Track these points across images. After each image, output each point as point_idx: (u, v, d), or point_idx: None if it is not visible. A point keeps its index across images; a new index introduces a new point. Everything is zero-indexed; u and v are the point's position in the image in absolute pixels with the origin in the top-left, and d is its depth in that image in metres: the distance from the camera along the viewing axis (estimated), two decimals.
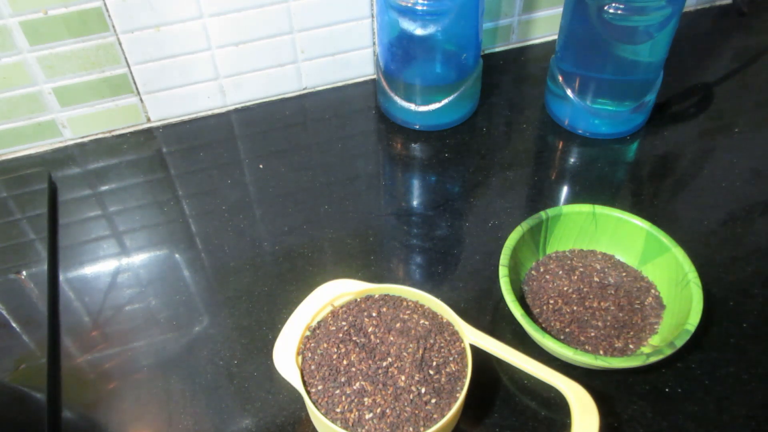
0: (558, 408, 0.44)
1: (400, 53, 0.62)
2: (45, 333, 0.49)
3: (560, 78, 0.63)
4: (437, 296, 0.44)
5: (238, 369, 0.47)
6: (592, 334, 0.46)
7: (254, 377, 0.46)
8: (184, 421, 0.44)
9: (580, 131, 0.65)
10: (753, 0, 0.81)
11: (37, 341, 0.48)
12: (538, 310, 0.48)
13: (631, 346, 0.46)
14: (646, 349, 0.45)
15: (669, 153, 0.63)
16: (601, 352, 0.45)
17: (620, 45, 0.57)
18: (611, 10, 0.54)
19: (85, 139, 0.66)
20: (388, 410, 0.39)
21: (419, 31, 0.59)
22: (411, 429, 0.38)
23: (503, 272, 0.46)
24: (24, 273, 0.53)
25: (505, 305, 0.46)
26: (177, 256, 0.55)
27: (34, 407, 0.45)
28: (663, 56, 0.60)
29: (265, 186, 0.61)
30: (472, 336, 0.42)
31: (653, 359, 0.42)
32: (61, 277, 0.54)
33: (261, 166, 0.63)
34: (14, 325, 0.50)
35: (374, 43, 0.70)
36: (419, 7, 0.57)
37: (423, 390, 0.39)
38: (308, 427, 0.43)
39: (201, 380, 0.47)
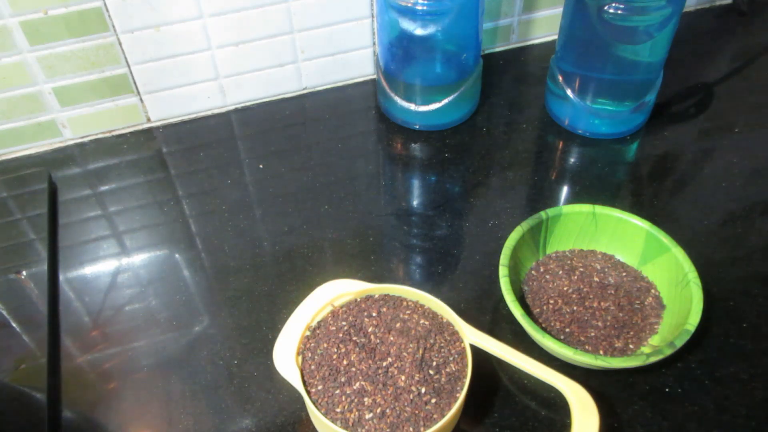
0: (558, 408, 0.44)
1: (400, 53, 0.62)
2: (45, 333, 0.49)
3: (560, 78, 0.63)
4: (437, 296, 0.44)
5: (238, 369, 0.47)
6: (592, 334, 0.46)
7: (254, 377, 0.46)
8: (184, 421, 0.44)
9: (580, 131, 0.65)
10: (753, 0, 0.81)
11: (37, 341, 0.48)
12: (538, 310, 0.48)
13: (631, 346, 0.46)
14: (646, 349, 0.45)
15: (669, 153, 0.63)
16: (601, 352, 0.45)
17: (620, 45, 0.57)
18: (611, 10, 0.54)
19: (85, 139, 0.66)
20: (388, 410, 0.39)
21: (419, 31, 0.59)
22: (411, 429, 0.38)
23: (503, 272, 0.46)
24: (24, 273, 0.53)
25: (505, 305, 0.46)
26: (177, 256, 0.55)
27: (34, 407, 0.45)
28: (663, 56, 0.60)
29: (265, 186, 0.61)
30: (472, 336, 0.42)
31: (653, 359, 0.42)
32: (61, 277, 0.54)
33: (261, 166, 0.63)
34: (14, 325, 0.50)
35: (374, 43, 0.70)
36: (419, 7, 0.57)
37: (423, 390, 0.39)
38: (308, 427, 0.43)
39: (201, 380, 0.47)
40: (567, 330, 0.46)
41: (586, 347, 0.45)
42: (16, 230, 0.57)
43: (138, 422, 0.45)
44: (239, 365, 0.47)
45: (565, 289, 0.48)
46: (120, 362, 0.48)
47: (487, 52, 0.76)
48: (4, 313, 0.50)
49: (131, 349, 0.49)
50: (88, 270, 0.55)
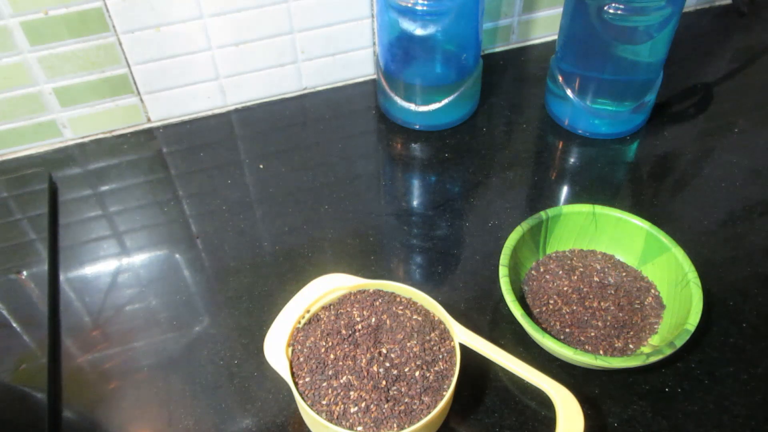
0: None
1: (400, 53, 0.62)
2: (45, 333, 0.49)
3: (560, 78, 0.63)
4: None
5: (238, 369, 0.47)
6: (592, 334, 0.46)
7: (254, 377, 0.46)
8: (184, 421, 0.44)
9: (580, 131, 0.65)
10: (753, 0, 0.81)
11: (38, 341, 0.48)
12: (538, 310, 0.48)
13: (631, 346, 0.46)
14: (646, 349, 0.45)
15: (669, 153, 0.63)
16: (601, 352, 0.45)
17: (620, 45, 0.57)
18: (611, 10, 0.54)
19: (86, 139, 0.66)
20: (372, 405, 0.39)
21: (419, 31, 0.59)
22: (395, 425, 0.38)
23: (503, 272, 0.46)
24: (24, 273, 0.53)
25: (505, 305, 0.46)
26: (177, 256, 0.55)
27: (34, 407, 0.45)
28: (663, 56, 0.60)
29: (265, 186, 0.61)
30: (461, 335, 0.42)
31: (653, 359, 0.42)
32: (61, 277, 0.54)
33: (261, 166, 0.63)
34: (15, 325, 0.50)
35: (374, 43, 0.70)
36: (419, 7, 0.57)
37: (410, 387, 0.40)
38: (307, 426, 0.43)
39: (201, 380, 0.47)
40: (567, 330, 0.46)
41: (586, 347, 0.45)
42: (16, 230, 0.57)
43: (138, 422, 0.45)
44: (239, 365, 0.47)
45: (565, 289, 0.48)
46: (120, 362, 0.48)
47: (487, 52, 0.76)
48: (5, 313, 0.50)
49: (131, 349, 0.49)
50: (89, 270, 0.55)
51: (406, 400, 0.39)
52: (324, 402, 0.39)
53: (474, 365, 0.45)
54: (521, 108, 0.69)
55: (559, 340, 0.45)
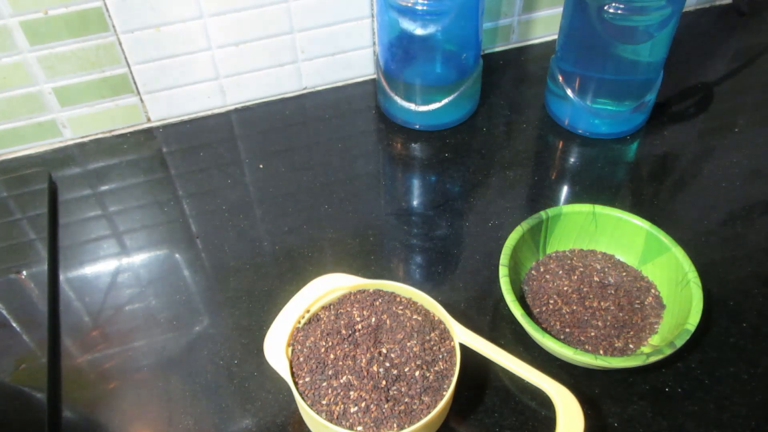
0: None
1: (400, 53, 0.62)
2: (45, 333, 0.49)
3: (560, 78, 0.63)
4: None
5: (238, 369, 0.47)
6: (592, 334, 0.46)
7: (254, 377, 0.46)
8: (184, 421, 0.44)
9: (580, 131, 0.65)
10: (753, 0, 0.81)
11: (38, 341, 0.48)
12: (538, 310, 0.48)
13: (631, 346, 0.46)
14: (646, 349, 0.45)
15: (669, 153, 0.63)
16: (601, 351, 0.45)
17: (620, 45, 0.57)
18: (611, 10, 0.54)
19: (85, 139, 0.66)
20: (372, 405, 0.39)
21: (419, 31, 0.59)
22: (395, 425, 0.38)
23: (503, 272, 0.46)
24: (24, 273, 0.53)
25: (505, 305, 0.46)
26: (177, 256, 0.55)
27: (34, 407, 0.45)
28: (663, 56, 0.60)
29: (265, 186, 0.61)
30: (461, 335, 0.42)
31: (653, 359, 0.42)
32: (61, 277, 0.54)
33: (261, 166, 0.63)
34: (14, 325, 0.50)
35: (374, 43, 0.70)
36: (419, 7, 0.57)
37: (410, 387, 0.40)
38: (307, 426, 0.43)
39: (201, 380, 0.47)
40: (567, 330, 0.46)
41: (586, 347, 0.45)
42: (16, 230, 0.57)
43: (138, 422, 0.45)
44: (239, 365, 0.47)
45: (565, 289, 0.48)
46: (120, 362, 0.48)
47: (487, 52, 0.76)
48: (4, 313, 0.50)
49: (131, 349, 0.49)
50: (88, 270, 0.55)
51: (406, 400, 0.39)
52: (324, 402, 0.39)
53: (474, 365, 0.45)
54: (521, 108, 0.69)
55: (559, 340, 0.45)
